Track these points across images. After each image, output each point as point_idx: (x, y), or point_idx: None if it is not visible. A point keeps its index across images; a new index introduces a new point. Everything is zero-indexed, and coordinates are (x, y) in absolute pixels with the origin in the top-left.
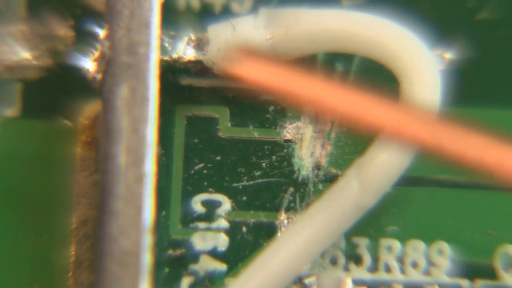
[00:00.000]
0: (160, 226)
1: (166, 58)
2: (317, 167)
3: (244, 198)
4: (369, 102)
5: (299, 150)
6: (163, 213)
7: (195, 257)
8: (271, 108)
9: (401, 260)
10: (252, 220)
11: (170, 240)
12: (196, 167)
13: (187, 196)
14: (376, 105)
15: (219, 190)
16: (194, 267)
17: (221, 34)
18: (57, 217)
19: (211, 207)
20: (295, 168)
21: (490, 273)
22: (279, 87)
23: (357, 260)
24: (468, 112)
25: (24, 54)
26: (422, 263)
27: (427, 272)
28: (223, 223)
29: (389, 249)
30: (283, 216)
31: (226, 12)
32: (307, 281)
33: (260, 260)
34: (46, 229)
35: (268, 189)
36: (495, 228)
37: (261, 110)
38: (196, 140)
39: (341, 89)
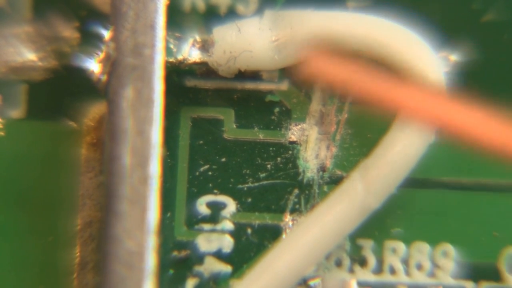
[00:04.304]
0: (165, 227)
1: (171, 59)
2: (322, 169)
3: (249, 199)
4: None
5: (304, 152)
6: (168, 214)
7: (200, 258)
8: (276, 109)
9: (406, 262)
10: (257, 222)
11: (175, 242)
12: (201, 169)
13: (192, 197)
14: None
15: (224, 191)
16: (199, 268)
17: (226, 35)
18: (62, 218)
19: (216, 208)
20: (300, 170)
21: (495, 275)
22: (351, 82)
23: (362, 262)
24: None
25: (29, 56)
26: (427, 265)
27: (432, 274)
28: (228, 224)
29: (394, 251)
30: (288, 218)
31: (232, 14)
32: (312, 282)
33: (265, 262)
34: (51, 230)
35: (273, 191)
36: (500, 230)
37: (266, 112)
38: (201, 142)
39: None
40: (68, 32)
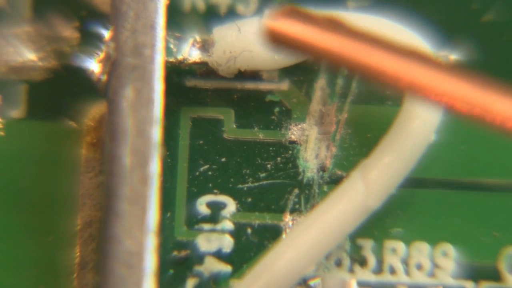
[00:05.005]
0: (165, 227)
1: (171, 59)
2: (322, 168)
3: (249, 199)
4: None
5: (304, 151)
6: (168, 214)
7: (200, 258)
8: (276, 109)
9: (405, 262)
10: (257, 221)
11: (175, 242)
12: (201, 169)
13: (192, 197)
14: (405, 61)
15: (224, 191)
16: (199, 268)
17: (226, 35)
18: (62, 218)
19: (216, 208)
20: (300, 170)
21: (494, 275)
22: (320, 46)
23: (362, 262)
24: None
25: (29, 56)
26: (427, 265)
27: (431, 274)
28: (228, 224)
29: (394, 251)
30: (288, 218)
31: (232, 14)
32: (312, 282)
33: (264, 261)
34: (51, 230)
35: (273, 190)
36: (500, 230)
37: (266, 112)
38: (201, 142)
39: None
40: (68, 32)
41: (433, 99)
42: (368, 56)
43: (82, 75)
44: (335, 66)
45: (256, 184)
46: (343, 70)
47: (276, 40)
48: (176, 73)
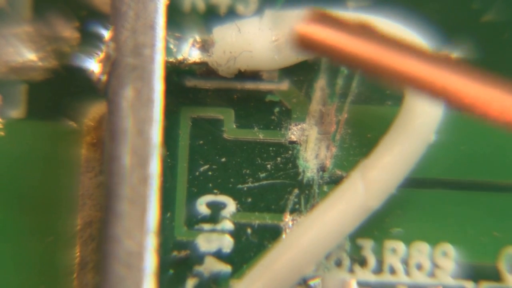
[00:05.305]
0: (165, 227)
1: (171, 59)
2: (322, 168)
3: (249, 199)
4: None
5: (304, 151)
6: (168, 214)
7: (200, 258)
8: (276, 109)
9: (405, 262)
10: (257, 221)
11: (175, 242)
12: (201, 169)
13: (192, 197)
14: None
15: (224, 191)
16: (199, 268)
17: (226, 35)
18: (62, 218)
19: (216, 208)
20: (300, 170)
21: (494, 275)
22: (348, 50)
23: (362, 262)
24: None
25: (29, 56)
26: (427, 265)
27: (431, 274)
28: (228, 224)
29: (394, 251)
30: (288, 218)
31: (231, 14)
32: (311, 282)
33: (264, 261)
34: (51, 230)
35: (273, 190)
36: (500, 230)
37: (266, 112)
38: (201, 142)
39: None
40: (68, 32)
41: (465, 106)
42: (400, 62)
43: (82, 75)
44: (366, 71)
45: (256, 184)
46: (373, 75)
47: (307, 45)
48: (176, 73)
